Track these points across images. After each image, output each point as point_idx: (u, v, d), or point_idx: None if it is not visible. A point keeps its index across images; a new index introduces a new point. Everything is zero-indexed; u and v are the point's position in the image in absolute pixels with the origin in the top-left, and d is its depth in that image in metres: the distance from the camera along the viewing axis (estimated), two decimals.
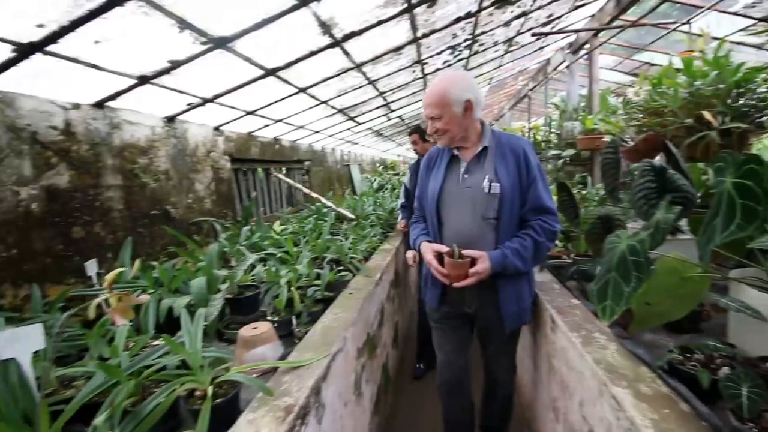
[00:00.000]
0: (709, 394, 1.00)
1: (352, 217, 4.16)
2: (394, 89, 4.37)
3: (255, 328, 1.53)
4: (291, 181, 4.67)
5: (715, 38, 2.52)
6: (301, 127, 4.46)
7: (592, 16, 4.29)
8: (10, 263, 1.72)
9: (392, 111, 5.61)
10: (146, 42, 1.76)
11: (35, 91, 1.82)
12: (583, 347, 1.32)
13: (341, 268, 2.39)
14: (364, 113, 5.01)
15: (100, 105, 2.17)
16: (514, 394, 1.90)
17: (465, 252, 1.49)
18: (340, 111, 4.40)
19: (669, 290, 1.23)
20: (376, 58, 3.05)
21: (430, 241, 1.64)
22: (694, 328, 1.53)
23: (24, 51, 1.50)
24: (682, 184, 1.41)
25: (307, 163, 5.70)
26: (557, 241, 2.63)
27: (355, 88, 3.71)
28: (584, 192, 3.42)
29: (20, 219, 1.76)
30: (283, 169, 5.05)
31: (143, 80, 2.05)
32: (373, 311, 2.23)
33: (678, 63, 2.20)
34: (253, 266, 2.15)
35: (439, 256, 1.55)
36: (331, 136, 5.79)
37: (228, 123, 3.36)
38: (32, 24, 1.41)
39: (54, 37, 1.48)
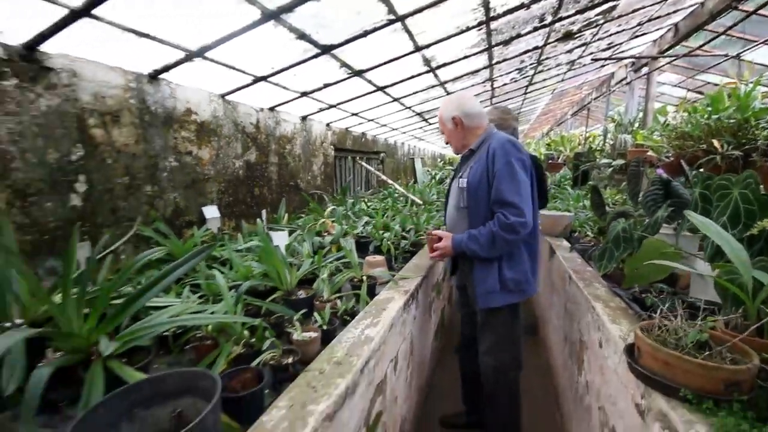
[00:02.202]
0: (647, 308, 1.77)
1: (419, 201, 5.06)
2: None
3: (374, 257, 2.50)
4: (372, 168, 5.67)
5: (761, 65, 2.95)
6: (384, 125, 5.42)
7: (654, 41, 4.75)
8: (228, 206, 2.84)
9: None
10: (312, 71, 2.77)
11: (247, 101, 2.92)
12: (584, 288, 2.11)
13: (420, 233, 3.30)
14: (436, 116, 5.85)
15: (272, 109, 3.27)
16: (504, 400, 1.90)
17: (436, 232, 1.87)
18: (418, 114, 5.29)
19: (651, 260, 1.95)
20: (457, 78, 3.89)
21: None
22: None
23: (256, 80, 2.57)
24: (682, 193, 2.09)
25: (382, 154, 6.67)
26: (588, 232, 3.32)
27: (435, 98, 4.57)
28: (624, 197, 4.03)
29: (234, 179, 2.88)
30: (365, 158, 6.07)
31: (304, 94, 3.10)
32: (440, 268, 3.13)
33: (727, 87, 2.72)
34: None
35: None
36: (404, 132, 6.71)
37: (336, 121, 4.40)
38: (268, 66, 2.45)
39: (273, 74, 2.52)
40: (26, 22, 1.51)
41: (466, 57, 3.24)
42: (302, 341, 1.44)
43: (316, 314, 1.69)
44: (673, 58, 4.36)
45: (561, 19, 3.01)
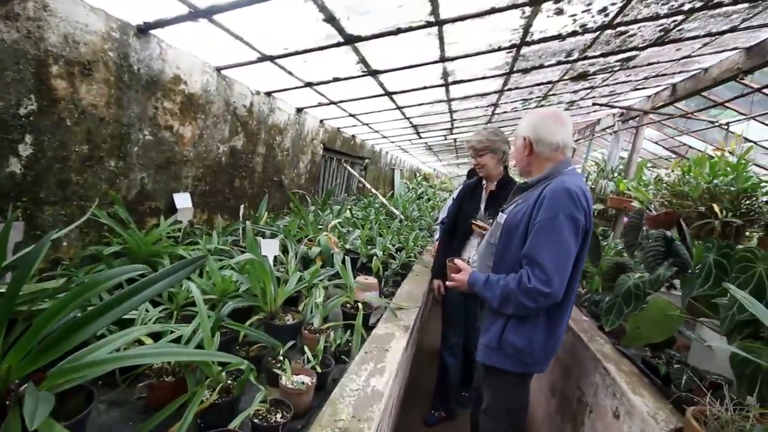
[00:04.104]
0: (663, 378, 1.64)
1: (399, 215, 4.85)
2: (464, 119, 5.05)
3: (366, 279, 2.23)
4: (356, 173, 5.39)
5: (747, 140, 3.08)
6: (376, 131, 5.18)
7: (648, 96, 4.88)
8: (203, 195, 2.46)
9: (452, 133, 6.29)
10: (325, 60, 2.47)
11: (244, 80, 2.57)
12: (589, 343, 1.97)
13: (410, 255, 3.08)
14: (430, 131, 5.71)
15: (269, 94, 2.92)
16: None
17: (458, 262, 1.66)
18: (413, 126, 5.10)
19: (654, 321, 1.85)
20: (466, 97, 3.73)
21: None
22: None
23: (262, 58, 2.24)
24: (683, 253, 2.02)
25: (366, 160, 6.42)
26: None
27: (437, 114, 4.40)
28: (604, 243, 4.05)
29: (215, 166, 2.51)
30: (350, 162, 5.78)
31: (308, 85, 2.79)
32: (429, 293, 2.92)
33: (711, 153, 2.76)
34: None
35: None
36: (393, 142, 6.50)
37: (330, 119, 4.10)
38: (280, 46, 2.14)
39: (284, 56, 2.21)
40: None
41: (483, 78, 3.08)
42: (294, 390, 1.15)
43: (306, 349, 1.40)
44: (666, 117, 4.49)
45: (586, 58, 2.93)
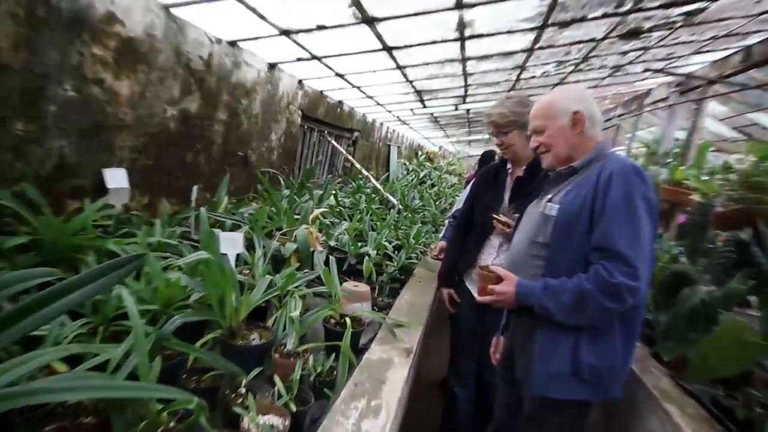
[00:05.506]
0: (741, 425, 1.59)
1: (397, 204, 4.77)
2: (479, 84, 4.96)
3: (356, 285, 2.16)
4: (343, 150, 5.29)
5: None
6: (370, 97, 5.08)
7: (714, 62, 4.83)
8: (145, 172, 2.37)
9: (464, 103, 6.20)
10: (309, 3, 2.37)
11: (201, 23, 2.45)
12: (642, 376, 1.92)
13: (411, 255, 3.02)
14: (438, 98, 5.62)
15: (233, 44, 2.80)
16: None
17: (495, 268, 1.60)
18: (417, 92, 5.01)
19: (726, 349, 1.79)
20: (486, 56, 3.64)
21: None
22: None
23: None
24: (761, 261, 1.97)
25: (356, 133, 6.32)
26: None
27: (446, 77, 4.31)
28: (655, 246, 4.02)
29: (161, 135, 2.42)
30: (334, 135, 5.67)
31: (285, 33, 2.67)
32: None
33: None
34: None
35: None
36: (389, 111, 6.40)
37: (311, 79, 4.00)
38: None
39: None
40: None
41: (509, 32, 2.99)
42: None
43: (276, 379, 1.32)
44: (737, 89, 4.44)
45: (640, 9, 2.85)
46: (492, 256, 2.23)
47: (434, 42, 3.07)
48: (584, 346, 1.44)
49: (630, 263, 1.33)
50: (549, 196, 1.61)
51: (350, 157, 5.51)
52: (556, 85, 5.48)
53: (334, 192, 4.01)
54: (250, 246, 2.20)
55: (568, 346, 1.45)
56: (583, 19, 2.95)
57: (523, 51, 3.59)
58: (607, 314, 1.38)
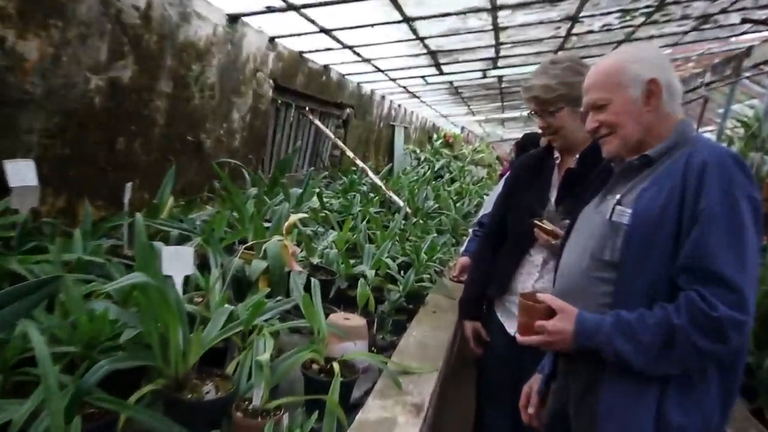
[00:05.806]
0: None
1: (404, 206, 4.80)
2: (516, 43, 5.01)
3: (347, 318, 2.18)
4: (330, 133, 5.34)
5: None
6: (367, 60, 5.16)
7: None
8: (60, 165, 2.41)
9: (495, 68, 6.26)
10: None
11: None
12: None
13: (421, 276, 3.04)
14: (459, 62, 5.68)
15: None
16: None
17: (543, 297, 1.59)
18: (431, 53, 5.06)
19: None
20: (523, 4, 3.68)
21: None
22: None
23: None
24: None
25: (347, 110, 6.37)
26: None
27: (470, 32, 4.36)
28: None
29: (83, 112, 2.48)
30: (318, 114, 5.73)
31: None
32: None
33: None
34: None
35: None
36: (393, 79, 6.46)
37: (286, 37, 4.11)
38: None
39: None
40: None
41: None
42: None
43: None
44: None
45: None
46: (533, 277, 2.25)
47: None
48: (671, 400, 1.43)
49: (735, 288, 1.32)
50: (617, 196, 1.59)
51: (340, 143, 5.54)
52: (621, 43, 5.53)
53: (317, 190, 4.06)
54: (203, 265, 2.23)
55: (649, 402, 1.44)
56: None
57: None
58: (697, 360, 1.38)
